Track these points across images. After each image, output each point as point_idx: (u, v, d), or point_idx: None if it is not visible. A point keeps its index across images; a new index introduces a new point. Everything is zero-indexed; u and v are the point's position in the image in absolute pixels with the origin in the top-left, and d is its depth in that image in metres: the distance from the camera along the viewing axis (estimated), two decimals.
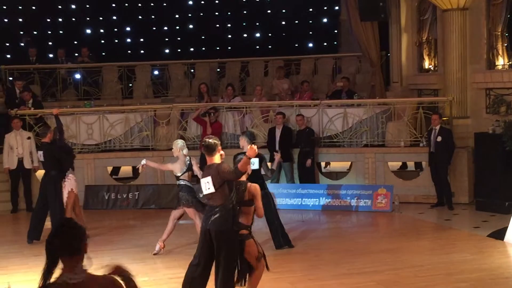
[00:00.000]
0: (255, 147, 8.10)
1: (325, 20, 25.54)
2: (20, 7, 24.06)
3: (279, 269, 10.35)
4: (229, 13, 25.51)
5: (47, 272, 4.26)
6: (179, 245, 12.66)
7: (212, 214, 8.11)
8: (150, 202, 17.13)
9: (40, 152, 13.75)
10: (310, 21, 25.77)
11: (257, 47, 25.33)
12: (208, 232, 8.14)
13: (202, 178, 8.31)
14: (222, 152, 8.44)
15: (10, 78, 20.71)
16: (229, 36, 25.65)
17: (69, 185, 13.74)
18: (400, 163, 19.22)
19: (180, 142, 12.37)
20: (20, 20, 24.06)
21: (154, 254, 12.04)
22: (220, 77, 22.52)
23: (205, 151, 8.37)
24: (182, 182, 12.18)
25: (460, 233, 13.51)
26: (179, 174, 12.15)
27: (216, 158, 8.27)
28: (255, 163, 11.70)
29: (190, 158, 12.30)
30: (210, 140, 8.33)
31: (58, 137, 13.84)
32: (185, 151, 12.22)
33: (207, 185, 8.14)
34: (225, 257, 8.03)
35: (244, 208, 8.41)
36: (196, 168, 12.23)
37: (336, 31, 25.02)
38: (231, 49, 24.96)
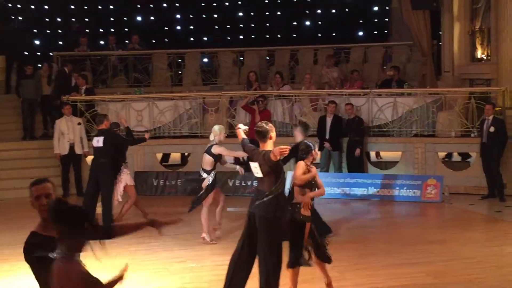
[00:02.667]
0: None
1: (375, 8, 25.29)
2: None
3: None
4: (278, 1, 25.41)
5: None
6: (229, 231, 12.69)
7: (258, 199, 8.14)
8: (198, 189, 17.14)
9: (99, 138, 13.61)
10: (361, 9, 25.56)
11: (307, 35, 25.21)
12: (253, 215, 8.17)
13: (252, 162, 8.35)
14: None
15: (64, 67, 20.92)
16: (279, 24, 25.57)
17: (125, 179, 13.93)
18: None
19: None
20: (72, 7, 24.29)
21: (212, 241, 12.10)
22: (269, 65, 22.48)
23: (258, 136, 8.36)
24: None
25: (511, 226, 13.31)
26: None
27: (269, 145, 8.26)
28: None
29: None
30: (263, 125, 8.35)
31: (125, 135, 14.26)
32: (213, 136, 12.20)
33: (255, 170, 8.24)
34: (267, 243, 8.03)
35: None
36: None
37: (386, 19, 24.76)
38: (280, 37, 24.88)
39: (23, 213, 15.41)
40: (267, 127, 8.33)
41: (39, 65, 22.59)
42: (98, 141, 13.59)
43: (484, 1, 18.23)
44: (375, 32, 25.19)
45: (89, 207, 13.46)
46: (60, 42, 23.77)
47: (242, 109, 18.29)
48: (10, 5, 23.91)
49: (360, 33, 25.39)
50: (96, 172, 13.69)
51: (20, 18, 24.11)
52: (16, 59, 22.81)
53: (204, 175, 12.16)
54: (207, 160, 12.15)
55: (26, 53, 24.03)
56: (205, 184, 12.11)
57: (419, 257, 10.80)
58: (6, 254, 11.85)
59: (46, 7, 24.21)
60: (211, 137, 12.25)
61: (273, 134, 8.32)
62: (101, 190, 13.63)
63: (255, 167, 8.22)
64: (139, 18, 24.89)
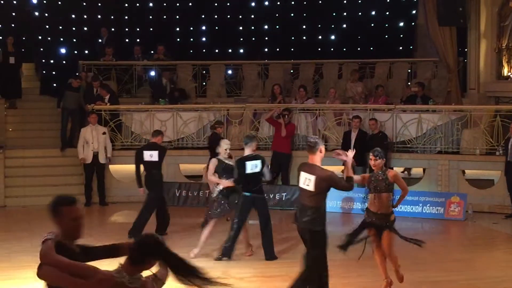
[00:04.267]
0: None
1: (401, 24, 25.22)
2: (99, 4, 24.46)
3: (348, 273, 10.26)
4: (304, 15, 25.42)
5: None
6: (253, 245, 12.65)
7: (305, 214, 8.60)
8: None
9: (154, 152, 13.92)
10: (386, 25, 25.49)
11: (332, 49, 25.17)
12: (300, 230, 8.75)
13: (302, 171, 8.67)
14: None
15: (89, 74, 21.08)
16: (304, 37, 25.56)
17: None
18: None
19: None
20: (99, 17, 24.45)
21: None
22: (293, 78, 22.46)
23: (307, 149, 8.74)
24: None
25: None
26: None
27: (317, 157, 8.63)
28: (257, 166, 11.67)
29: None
30: (314, 139, 8.84)
31: None
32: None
33: (306, 181, 8.56)
34: (312, 256, 8.56)
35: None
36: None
37: (412, 35, 24.69)
38: (305, 50, 24.85)
39: (45, 221, 15.64)
40: (317, 140, 8.80)
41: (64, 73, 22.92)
42: (153, 155, 13.90)
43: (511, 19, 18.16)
44: (400, 48, 25.08)
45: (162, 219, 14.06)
46: (86, 51, 23.89)
47: (266, 122, 18.30)
48: (37, 13, 24.12)
49: (385, 49, 25.29)
50: (150, 184, 14.00)
51: (47, 26, 24.28)
52: (42, 68, 23.06)
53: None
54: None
55: (52, 61, 24.20)
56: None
57: (443, 275, 10.74)
58: (28, 260, 11.90)
59: (73, 16, 24.36)
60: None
61: (322, 147, 8.69)
62: (145, 201, 13.93)
63: (308, 179, 8.53)
64: (165, 29, 24.97)
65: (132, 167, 18.98)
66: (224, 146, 12.18)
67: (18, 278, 10.81)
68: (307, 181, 8.55)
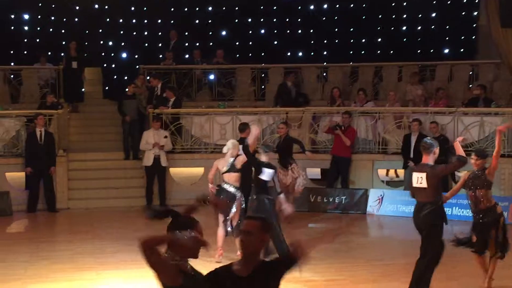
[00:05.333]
0: None
1: (462, 25, 24.86)
2: (159, 9, 24.70)
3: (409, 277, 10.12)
4: (363, 17, 25.26)
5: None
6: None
7: (422, 210, 9.28)
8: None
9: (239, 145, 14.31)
10: (447, 27, 25.16)
11: (391, 51, 24.95)
12: (418, 225, 9.43)
13: (414, 172, 9.48)
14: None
15: (148, 78, 21.35)
16: (363, 40, 25.40)
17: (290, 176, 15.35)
18: None
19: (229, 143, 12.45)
20: (159, 21, 24.71)
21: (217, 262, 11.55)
22: (353, 81, 22.34)
23: (422, 149, 9.51)
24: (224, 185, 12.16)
25: None
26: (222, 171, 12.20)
27: (431, 158, 9.37)
28: (265, 172, 11.58)
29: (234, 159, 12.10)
30: (428, 141, 9.62)
31: None
32: (225, 149, 12.28)
33: (419, 180, 9.32)
34: (430, 250, 9.30)
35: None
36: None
37: (473, 37, 24.34)
38: (364, 53, 24.70)
39: (107, 223, 15.91)
40: (432, 142, 9.53)
41: (125, 78, 23.27)
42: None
43: None
44: (462, 50, 24.73)
45: None
46: (146, 56, 24.16)
47: (324, 125, 18.30)
48: (99, 19, 24.49)
49: (446, 51, 24.95)
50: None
51: (109, 31, 24.63)
52: (104, 72, 23.45)
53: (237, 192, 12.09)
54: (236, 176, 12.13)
55: (113, 65, 24.57)
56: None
57: (509, 281, 10.56)
58: (90, 262, 12.12)
59: (134, 21, 24.68)
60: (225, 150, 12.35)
61: (436, 149, 9.43)
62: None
63: (420, 177, 9.27)
64: (224, 33, 25.10)
65: (190, 170, 19.34)
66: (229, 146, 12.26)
67: (81, 280, 11.00)
68: (419, 180, 9.29)
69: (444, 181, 14.90)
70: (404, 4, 25.38)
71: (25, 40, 23.92)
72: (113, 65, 24.53)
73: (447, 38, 25.19)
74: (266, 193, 11.62)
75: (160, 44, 23.44)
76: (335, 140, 17.61)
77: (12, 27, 23.90)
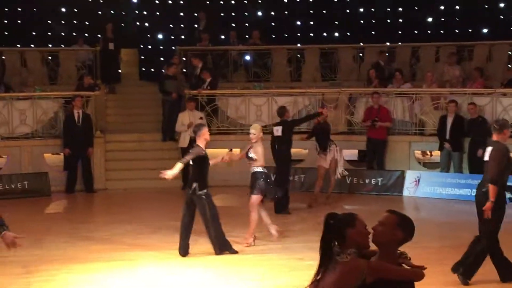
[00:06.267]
0: None
1: (502, 4, 24.47)
2: None
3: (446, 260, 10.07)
4: None
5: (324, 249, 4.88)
6: None
7: (483, 186, 9.31)
8: (313, 186, 17.07)
9: (279, 127, 14.75)
10: (486, 6, 24.78)
11: (429, 31, 24.67)
12: (477, 201, 9.43)
13: (488, 146, 9.47)
14: None
15: (184, 59, 21.42)
16: (400, 20, 25.15)
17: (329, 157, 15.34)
18: None
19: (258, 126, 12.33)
20: (195, 2, 24.72)
21: (246, 246, 11.71)
22: (389, 61, 22.13)
23: (493, 129, 9.54)
24: (257, 169, 11.98)
25: None
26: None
27: (501, 137, 9.37)
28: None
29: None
30: (500, 121, 9.92)
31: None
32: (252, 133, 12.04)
33: (487, 154, 9.38)
34: (485, 230, 9.30)
35: None
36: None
37: None
38: (401, 33, 24.47)
39: (144, 204, 16.06)
40: (504, 122, 9.80)
41: (161, 59, 23.39)
42: (278, 130, 14.75)
43: None
44: (501, 30, 24.36)
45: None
46: (183, 37, 24.25)
47: (361, 106, 18.23)
48: (135, 0, 24.60)
49: (485, 30, 24.60)
50: (279, 158, 14.77)
51: (145, 12, 24.74)
52: (141, 53, 23.58)
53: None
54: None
55: (150, 47, 24.69)
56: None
57: None
58: (128, 243, 12.23)
59: (169, 2, 24.74)
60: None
61: (507, 130, 9.48)
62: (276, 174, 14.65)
63: (488, 151, 9.34)
64: (259, 14, 25.04)
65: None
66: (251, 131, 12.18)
67: (119, 260, 11.09)
68: (487, 154, 9.39)
69: None
70: None
71: (63, 22, 24.09)
72: (149, 46, 24.64)
73: (485, 18, 24.83)
74: None
75: (196, 25, 23.43)
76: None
77: (51, 10, 24.08)
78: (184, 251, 11.17)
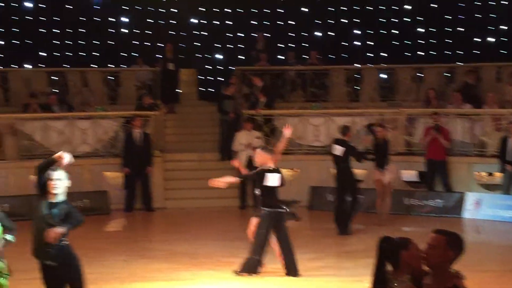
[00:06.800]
0: None
1: None
2: (253, 10, 24.89)
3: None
4: (460, 16, 24.76)
5: (377, 272, 4.92)
6: None
7: None
8: (372, 207, 16.89)
9: (340, 147, 14.64)
10: None
11: (490, 51, 24.32)
12: None
13: None
14: None
15: (243, 78, 21.54)
16: (460, 40, 24.87)
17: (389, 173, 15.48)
18: None
19: None
20: (252, 22, 24.89)
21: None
22: (449, 82, 21.90)
23: None
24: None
25: None
26: None
27: None
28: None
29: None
30: None
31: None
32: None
33: None
34: None
35: None
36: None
37: None
38: (461, 53, 24.18)
39: (202, 223, 16.14)
40: None
41: (220, 79, 23.61)
42: (338, 150, 14.73)
43: None
44: None
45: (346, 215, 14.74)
46: (241, 57, 24.42)
47: (420, 126, 18.04)
48: (195, 21, 24.87)
49: None
50: (342, 178, 14.78)
51: (204, 33, 24.99)
52: (200, 74, 23.82)
53: None
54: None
55: (209, 67, 24.92)
56: None
57: None
58: (185, 262, 12.30)
59: (228, 22, 24.95)
60: None
61: None
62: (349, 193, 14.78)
63: None
64: (318, 34, 25.07)
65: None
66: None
67: (177, 280, 11.17)
68: None
69: None
70: (504, 2, 24.70)
71: (124, 43, 24.51)
72: (208, 67, 24.87)
73: None
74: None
75: (254, 45, 23.56)
76: (430, 143, 17.25)
77: (112, 30, 24.53)
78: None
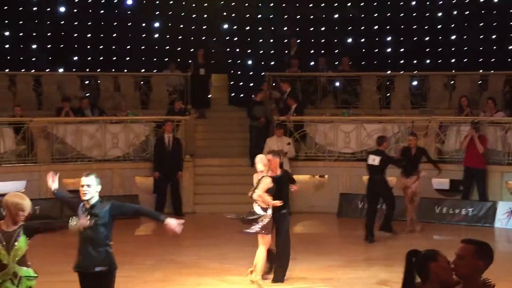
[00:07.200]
0: None
1: None
2: (285, 16, 24.92)
3: None
4: (494, 24, 24.55)
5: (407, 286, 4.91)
6: None
7: None
8: (399, 214, 16.74)
9: (376, 157, 14.76)
10: None
11: None
12: None
13: None
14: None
15: (274, 84, 21.55)
16: (493, 47, 24.65)
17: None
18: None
19: (257, 157, 11.48)
20: (285, 29, 24.91)
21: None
22: (481, 90, 21.71)
23: None
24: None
25: None
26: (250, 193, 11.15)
27: None
28: None
29: (262, 177, 11.02)
30: None
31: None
32: (259, 166, 11.14)
33: None
34: None
35: None
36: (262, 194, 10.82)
37: None
38: (494, 61, 23.96)
39: (232, 229, 16.07)
40: None
41: (251, 84, 23.66)
42: (375, 160, 14.77)
43: None
44: None
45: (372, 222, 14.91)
46: (272, 63, 24.44)
47: (451, 134, 17.89)
48: (226, 26, 24.94)
49: None
50: (377, 187, 14.88)
51: (235, 38, 25.06)
52: (231, 79, 23.89)
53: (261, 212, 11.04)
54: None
55: (239, 72, 24.97)
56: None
57: None
58: (215, 267, 12.33)
59: (259, 28, 24.99)
60: (261, 168, 11.21)
61: None
62: (384, 201, 15.17)
63: None
64: (349, 40, 25.01)
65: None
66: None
67: (206, 285, 11.19)
68: None
69: None
70: None
71: (156, 48, 24.64)
72: (239, 72, 24.92)
73: None
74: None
75: (286, 52, 23.56)
76: (468, 150, 17.05)
77: (143, 35, 24.68)
78: None
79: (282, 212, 11.16)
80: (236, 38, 25.03)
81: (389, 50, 24.97)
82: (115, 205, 7.80)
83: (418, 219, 15.77)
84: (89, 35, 24.43)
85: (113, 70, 23.30)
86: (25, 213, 6.84)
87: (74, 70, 23.31)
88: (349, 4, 24.96)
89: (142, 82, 22.34)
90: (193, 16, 24.61)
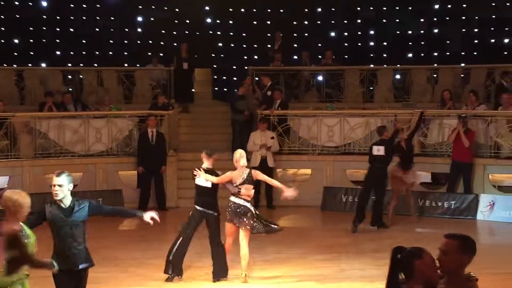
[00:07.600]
0: None
1: None
2: (269, 10, 24.92)
3: None
4: (476, 17, 24.69)
5: (390, 282, 4.88)
6: None
7: None
8: (386, 208, 16.88)
9: (380, 147, 14.92)
10: None
11: (505, 52, 24.21)
12: None
13: None
14: None
15: (256, 78, 21.57)
16: (476, 41, 24.79)
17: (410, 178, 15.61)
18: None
19: (237, 153, 11.75)
20: (268, 22, 24.91)
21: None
22: (464, 83, 21.82)
23: None
24: (232, 198, 11.51)
25: None
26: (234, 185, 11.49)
27: None
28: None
29: (250, 170, 11.49)
30: None
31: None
32: (243, 161, 11.49)
33: None
34: None
35: None
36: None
37: None
38: (477, 54, 24.09)
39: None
40: None
41: (234, 78, 23.67)
42: (380, 150, 14.92)
43: None
44: None
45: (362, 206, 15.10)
46: (256, 57, 24.46)
47: (434, 128, 17.99)
48: (208, 20, 24.93)
49: None
50: (375, 176, 14.98)
51: (218, 33, 25.05)
52: (214, 73, 23.89)
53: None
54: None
55: (223, 67, 24.97)
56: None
57: None
58: (201, 262, 12.30)
59: (243, 22, 24.99)
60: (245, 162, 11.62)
61: None
62: (375, 193, 15.09)
63: None
64: (332, 34, 25.07)
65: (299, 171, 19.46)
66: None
67: (191, 279, 11.20)
68: None
69: None
70: None
71: (138, 42, 24.59)
72: (222, 66, 24.92)
73: None
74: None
75: (268, 46, 23.57)
76: (455, 144, 17.11)
77: (126, 29, 24.62)
78: None
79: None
80: (219, 32, 25.02)
81: (372, 44, 25.03)
82: (93, 205, 7.78)
83: (396, 212, 15.86)
84: (71, 30, 24.34)
85: (96, 64, 23.23)
86: (24, 209, 6.71)
87: (56, 65, 23.21)
88: None
89: (125, 77, 22.28)
90: (176, 10, 24.55)
